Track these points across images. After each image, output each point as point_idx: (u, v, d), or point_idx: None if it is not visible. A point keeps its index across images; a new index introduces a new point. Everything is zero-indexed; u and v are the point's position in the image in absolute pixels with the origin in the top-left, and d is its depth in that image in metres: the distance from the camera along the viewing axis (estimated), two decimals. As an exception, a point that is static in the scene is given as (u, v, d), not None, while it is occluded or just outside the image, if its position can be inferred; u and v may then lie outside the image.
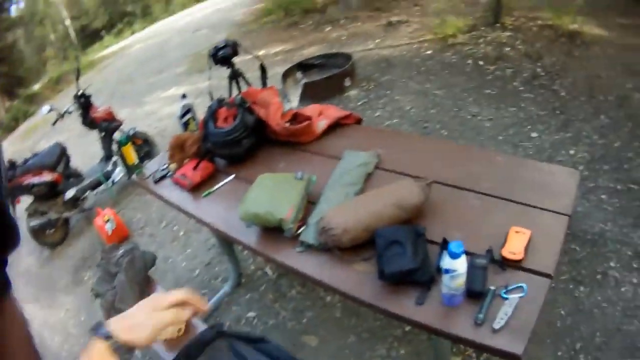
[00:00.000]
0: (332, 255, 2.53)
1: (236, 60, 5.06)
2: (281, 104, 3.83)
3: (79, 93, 6.75)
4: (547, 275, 2.15)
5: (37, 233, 6.51)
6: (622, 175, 4.86)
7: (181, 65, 13.83)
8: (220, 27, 17.00)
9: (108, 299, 3.36)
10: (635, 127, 5.52)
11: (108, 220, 5.83)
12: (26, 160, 6.53)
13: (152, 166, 4.08)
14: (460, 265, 2.00)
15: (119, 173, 7.09)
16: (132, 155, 3.94)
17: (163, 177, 3.83)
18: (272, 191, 2.86)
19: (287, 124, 3.70)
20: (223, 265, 5.02)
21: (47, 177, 6.47)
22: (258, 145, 3.78)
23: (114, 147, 7.07)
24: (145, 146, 7.30)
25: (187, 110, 4.37)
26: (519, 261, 2.22)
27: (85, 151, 8.62)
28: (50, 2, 35.48)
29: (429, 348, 3.59)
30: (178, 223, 6.03)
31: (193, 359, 2.07)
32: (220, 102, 3.75)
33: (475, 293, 2.12)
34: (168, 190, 3.69)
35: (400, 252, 2.25)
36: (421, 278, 2.22)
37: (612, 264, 3.98)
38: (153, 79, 13.73)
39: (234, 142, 3.57)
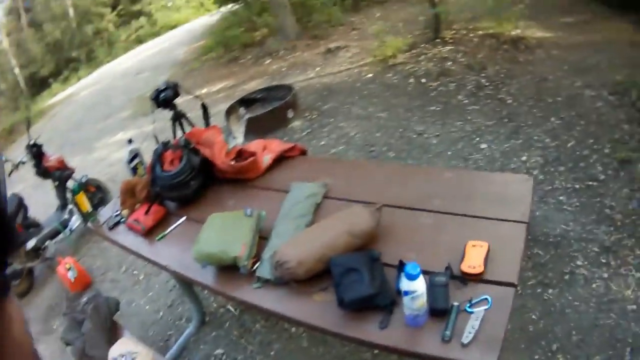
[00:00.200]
0: (290, 288, 2.49)
1: (178, 101, 5.02)
2: (225, 142, 3.81)
3: (31, 143, 6.66)
4: (511, 285, 2.12)
5: (3, 285, 6.34)
6: (579, 174, 4.87)
7: (126, 110, 13.78)
8: (163, 68, 17.04)
9: (78, 346, 3.35)
10: (589, 125, 5.55)
11: (70, 269, 5.71)
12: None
13: (105, 213, 4.03)
14: (419, 285, 1.97)
15: (75, 221, 6.97)
16: (85, 204, 3.89)
17: (117, 224, 3.77)
18: (224, 230, 2.82)
19: (233, 162, 3.68)
20: (185, 306, 4.94)
21: (7, 228, 6.31)
22: (206, 184, 3.75)
23: (69, 195, 6.94)
24: (98, 193, 7.18)
25: (135, 155, 4.33)
26: (480, 274, 2.18)
27: (41, 200, 8.49)
28: (-2, 51, 35.41)
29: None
30: (137, 267, 5.93)
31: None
32: (165, 145, 3.71)
33: (438, 311, 2.07)
34: (123, 236, 3.64)
35: (358, 278, 2.20)
36: (382, 302, 2.18)
37: (578, 263, 3.96)
38: (101, 125, 13.62)
39: (181, 185, 3.54)
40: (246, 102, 8.89)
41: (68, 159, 7.23)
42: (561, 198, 4.65)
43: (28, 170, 7.08)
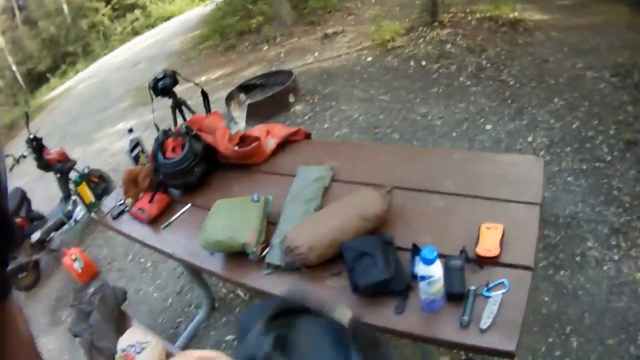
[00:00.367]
0: (301, 274, 2.43)
1: (177, 89, 4.96)
2: (227, 128, 3.76)
3: (31, 137, 6.62)
4: (528, 268, 2.08)
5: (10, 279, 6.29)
6: (585, 155, 4.82)
7: (125, 100, 13.71)
8: (159, 59, 16.93)
9: (86, 338, 3.29)
10: (592, 106, 5.50)
11: (76, 259, 5.68)
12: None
13: (109, 203, 3.99)
14: (435, 270, 1.92)
15: (79, 211, 6.93)
16: (88, 194, 3.84)
17: (121, 213, 3.73)
18: (230, 216, 2.76)
19: (236, 147, 3.63)
20: (195, 292, 4.90)
21: (11, 222, 6.27)
22: (210, 171, 3.70)
23: (71, 186, 6.91)
24: (101, 183, 7.13)
25: (136, 144, 4.28)
26: (496, 257, 2.14)
27: (44, 193, 8.46)
28: (-6, 50, 35.34)
29: (415, 351, 3.49)
30: (144, 255, 5.89)
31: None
32: (166, 133, 3.66)
33: (455, 295, 2.03)
34: (127, 225, 3.59)
35: (372, 263, 2.16)
36: (397, 287, 2.13)
37: (589, 244, 3.93)
38: (100, 117, 13.53)
39: (185, 172, 3.49)
40: (246, 88, 8.86)
41: (69, 151, 7.19)
42: (569, 179, 4.61)
43: (30, 164, 7.06)
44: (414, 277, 2.12)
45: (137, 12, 35.04)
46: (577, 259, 3.84)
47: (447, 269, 2.04)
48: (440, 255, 1.98)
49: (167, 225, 3.34)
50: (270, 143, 3.71)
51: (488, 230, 2.25)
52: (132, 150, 4.27)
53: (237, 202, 2.92)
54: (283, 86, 8.05)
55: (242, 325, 1.44)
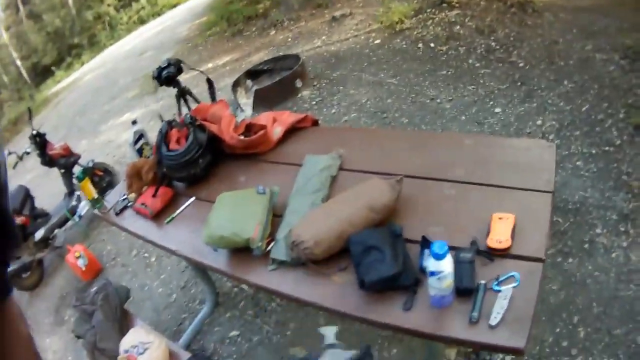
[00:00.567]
0: (307, 270, 2.38)
1: (182, 77, 4.91)
2: (233, 116, 3.70)
3: (34, 133, 6.58)
4: (539, 260, 2.04)
5: (14, 278, 6.27)
6: (595, 139, 4.77)
7: (132, 90, 13.67)
8: (166, 47, 16.90)
9: (89, 339, 3.29)
10: (602, 89, 5.44)
11: (79, 257, 5.67)
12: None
13: (112, 198, 3.93)
14: (446, 265, 1.88)
15: (84, 207, 6.90)
16: (91, 190, 3.77)
17: (124, 208, 3.67)
18: (235, 210, 2.71)
19: (242, 136, 3.57)
20: (199, 287, 4.87)
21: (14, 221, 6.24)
22: (215, 162, 3.65)
23: (75, 181, 6.87)
24: (106, 176, 7.13)
25: (140, 136, 4.25)
26: (507, 249, 2.09)
27: (49, 190, 8.45)
28: (-2, 45, 35.42)
29: (422, 344, 3.45)
30: (148, 250, 5.85)
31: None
32: (170, 124, 3.61)
33: (465, 290, 1.99)
34: (131, 220, 3.54)
35: (379, 257, 2.11)
36: (405, 282, 2.08)
37: (598, 231, 3.89)
38: (107, 107, 13.53)
39: (189, 163, 3.43)
40: (253, 74, 8.81)
41: (75, 144, 7.21)
42: (578, 163, 4.57)
43: (34, 161, 7.03)
44: (423, 270, 2.08)
45: (143, 0, 35.01)
46: (586, 246, 3.81)
47: (457, 263, 2.00)
48: (450, 248, 1.94)
49: (170, 220, 3.30)
50: (277, 131, 3.66)
51: (500, 220, 2.20)
52: (136, 142, 4.25)
53: (242, 195, 2.87)
54: (290, 71, 8.00)
55: None
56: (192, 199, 3.42)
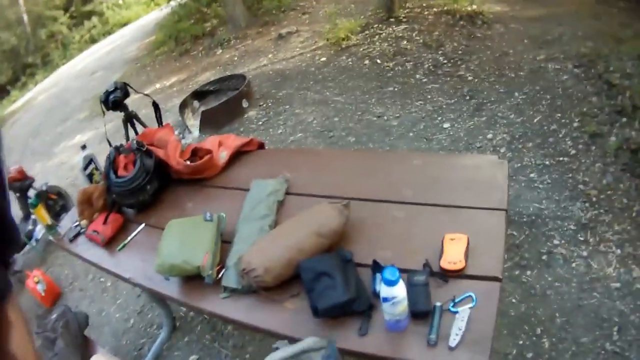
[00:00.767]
0: (259, 297, 2.35)
1: (130, 99, 4.86)
2: (179, 142, 3.69)
3: (-14, 157, 6.48)
4: (496, 279, 2.03)
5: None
6: (548, 150, 4.79)
7: (83, 111, 13.56)
8: (116, 66, 16.85)
9: None
10: (555, 99, 5.48)
11: (38, 282, 5.58)
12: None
13: (65, 224, 3.90)
14: (399, 291, 1.85)
15: (40, 230, 6.82)
16: (45, 217, 3.74)
17: (77, 235, 3.63)
18: (184, 238, 2.68)
19: (188, 162, 3.56)
20: (155, 311, 4.82)
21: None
22: (163, 187, 3.64)
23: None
24: (59, 200, 7.02)
25: (89, 161, 4.19)
26: (461, 270, 2.08)
27: (5, 214, 8.36)
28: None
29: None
30: (103, 274, 5.75)
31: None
32: (118, 150, 3.58)
33: (420, 313, 1.97)
34: (84, 247, 3.49)
35: (331, 284, 2.08)
36: (359, 308, 2.06)
37: (556, 242, 3.90)
38: (59, 129, 13.39)
39: (137, 190, 3.41)
40: (200, 94, 8.81)
41: (29, 166, 7.12)
42: (532, 175, 4.58)
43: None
44: (376, 295, 2.04)
45: (95, 19, 34.89)
46: (544, 257, 3.81)
47: (410, 286, 1.97)
48: (402, 270, 1.93)
49: (122, 247, 3.26)
50: (223, 155, 3.65)
51: (452, 241, 2.18)
52: (85, 167, 4.18)
53: (190, 223, 2.83)
54: (237, 91, 7.98)
55: None
56: (142, 225, 3.38)
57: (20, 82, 32.48)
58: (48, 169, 10.20)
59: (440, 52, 7.32)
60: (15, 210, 6.90)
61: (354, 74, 7.79)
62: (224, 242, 2.77)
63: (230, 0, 12.39)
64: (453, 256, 2.10)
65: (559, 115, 5.17)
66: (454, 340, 1.82)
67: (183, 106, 8.39)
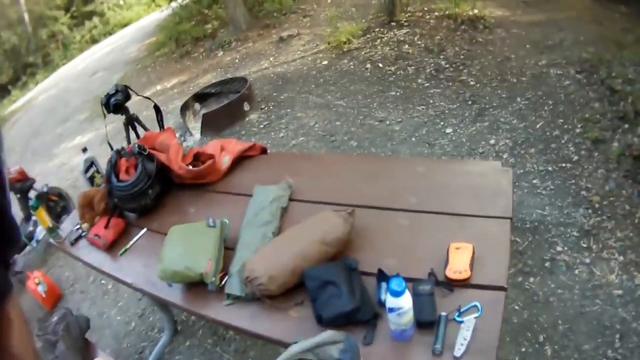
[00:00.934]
0: (263, 304, 2.33)
1: (131, 102, 4.84)
2: (180, 145, 3.67)
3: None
4: (501, 288, 2.02)
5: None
6: (551, 156, 4.78)
7: (83, 112, 13.52)
8: (117, 67, 16.81)
9: None
10: (557, 104, 5.46)
11: (39, 283, 5.57)
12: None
13: (66, 226, 3.87)
14: (405, 301, 1.84)
15: (41, 231, 6.79)
16: (45, 219, 3.72)
17: (79, 238, 3.60)
18: (187, 244, 2.66)
19: (190, 166, 3.55)
20: (156, 314, 4.79)
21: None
22: (165, 192, 3.62)
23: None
24: (60, 201, 7.00)
25: (90, 164, 4.18)
26: (467, 279, 2.06)
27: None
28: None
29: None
30: (105, 277, 5.71)
31: None
32: (119, 153, 3.55)
33: (425, 323, 1.96)
34: (85, 251, 3.47)
35: (336, 293, 2.08)
36: (364, 317, 2.05)
37: (559, 248, 3.88)
38: (60, 129, 13.39)
39: (139, 195, 3.39)
40: (201, 97, 8.76)
41: (29, 167, 7.09)
42: (535, 181, 4.57)
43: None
44: (381, 304, 2.04)
45: (96, 19, 34.87)
46: (547, 264, 3.80)
47: (416, 295, 1.96)
48: (408, 279, 1.92)
49: (124, 252, 3.24)
50: (225, 160, 3.63)
51: (457, 250, 2.17)
52: (86, 170, 4.17)
53: (193, 228, 2.82)
54: (238, 94, 7.94)
55: None
56: (144, 230, 3.36)
57: (20, 82, 32.43)
58: (48, 170, 10.18)
59: (442, 57, 7.29)
60: (16, 211, 6.87)
61: (356, 77, 7.76)
62: (227, 248, 2.75)
63: (231, 2, 12.35)
64: (458, 265, 2.09)
65: (562, 121, 5.16)
66: (459, 350, 1.81)
67: (184, 108, 8.34)
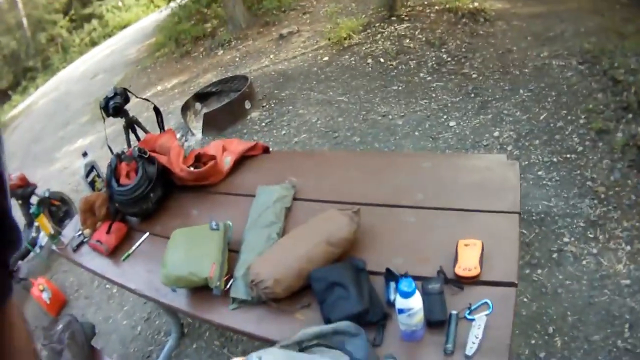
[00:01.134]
0: (269, 307, 2.31)
1: (131, 104, 4.80)
2: (181, 147, 3.65)
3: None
4: (511, 284, 1.99)
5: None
6: (555, 147, 4.75)
7: (84, 115, 13.52)
8: (117, 69, 16.85)
9: None
10: (560, 96, 5.43)
11: (43, 290, 5.55)
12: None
13: (68, 232, 3.84)
14: (415, 302, 1.81)
15: (43, 237, 6.77)
16: (47, 226, 3.72)
17: (81, 244, 3.57)
18: (190, 248, 2.63)
19: (192, 168, 3.53)
20: (163, 318, 4.78)
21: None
22: (167, 195, 3.59)
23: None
24: (63, 206, 7.00)
25: (91, 168, 4.14)
26: (476, 276, 2.03)
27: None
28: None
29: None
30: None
31: None
32: (119, 157, 3.53)
33: (436, 323, 1.93)
34: (88, 257, 3.44)
35: (344, 294, 2.05)
36: (373, 318, 2.02)
37: (565, 239, 3.87)
38: (61, 133, 13.39)
39: (140, 199, 3.36)
40: (202, 96, 8.74)
41: (31, 172, 7.08)
42: (540, 173, 4.54)
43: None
44: (390, 304, 2.02)
45: (95, 22, 34.92)
46: (554, 255, 3.78)
47: (425, 294, 1.93)
48: (416, 278, 1.90)
49: (127, 257, 3.21)
50: (227, 161, 3.60)
51: (466, 247, 2.14)
52: (87, 175, 4.14)
53: (196, 232, 2.79)
54: (239, 92, 7.92)
55: None
56: (146, 234, 3.34)
57: (21, 87, 32.54)
58: (50, 175, 10.18)
59: (443, 50, 7.27)
60: (18, 218, 6.85)
61: (357, 73, 7.73)
62: (231, 251, 2.72)
63: (230, 1, 12.32)
64: (468, 263, 2.06)
65: (565, 112, 5.14)
66: (470, 349, 1.78)
67: (185, 108, 8.33)
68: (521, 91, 5.77)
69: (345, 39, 8.79)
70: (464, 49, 7.11)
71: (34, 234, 6.69)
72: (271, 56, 10.09)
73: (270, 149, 3.90)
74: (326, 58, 8.72)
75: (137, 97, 4.60)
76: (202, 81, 10.52)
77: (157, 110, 4.59)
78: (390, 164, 3.19)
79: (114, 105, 4.32)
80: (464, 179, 2.66)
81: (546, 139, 4.88)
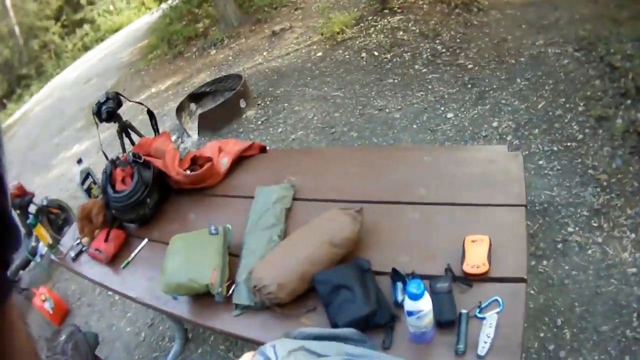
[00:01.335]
0: (274, 313, 2.26)
1: (124, 108, 4.76)
2: (176, 150, 3.61)
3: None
4: (521, 280, 1.95)
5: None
6: (555, 136, 4.71)
7: (79, 120, 13.53)
8: (110, 73, 16.85)
9: None
10: (557, 84, 5.38)
11: (45, 300, 5.52)
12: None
13: (66, 241, 3.82)
14: (425, 304, 1.77)
15: (43, 246, 6.73)
16: (45, 236, 3.72)
17: (80, 253, 3.55)
18: (189, 254, 2.59)
19: (188, 171, 3.49)
20: (166, 323, 4.73)
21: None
22: (163, 199, 3.56)
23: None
24: (62, 213, 6.95)
25: (86, 175, 4.11)
26: (485, 273, 1.99)
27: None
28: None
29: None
30: (110, 289, 5.72)
31: None
32: (114, 163, 3.49)
33: (446, 323, 1.88)
34: (87, 266, 3.41)
35: (350, 297, 2.00)
36: (381, 321, 1.97)
37: (570, 229, 3.82)
38: (57, 140, 13.40)
39: (137, 204, 3.33)
40: (196, 97, 8.72)
41: (28, 180, 7.09)
42: (540, 162, 4.50)
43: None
44: (398, 304, 1.97)
45: (86, 26, 34.97)
46: (559, 246, 3.73)
47: (434, 294, 1.90)
48: (423, 277, 1.88)
49: (126, 265, 3.18)
50: (224, 162, 3.57)
51: (473, 243, 2.09)
52: (83, 182, 4.11)
53: (195, 237, 2.74)
54: (233, 91, 7.90)
55: None
56: (145, 240, 3.31)
57: (15, 95, 32.67)
58: (48, 182, 10.16)
59: (437, 41, 7.23)
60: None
61: (352, 67, 7.70)
62: (232, 255, 2.68)
63: (221, 0, 12.30)
64: (476, 259, 2.02)
65: (563, 100, 5.09)
66: (482, 349, 1.75)
67: (180, 109, 8.29)
68: (518, 80, 5.72)
69: (338, 33, 8.76)
70: (458, 40, 7.07)
71: (33, 244, 6.66)
72: (264, 54, 10.06)
73: (267, 147, 3.87)
74: (320, 53, 8.69)
75: (130, 100, 4.56)
76: (196, 81, 10.50)
77: (150, 113, 4.55)
78: (390, 158, 3.15)
79: (107, 110, 4.28)
80: (466, 172, 2.63)
81: (545, 127, 4.84)
